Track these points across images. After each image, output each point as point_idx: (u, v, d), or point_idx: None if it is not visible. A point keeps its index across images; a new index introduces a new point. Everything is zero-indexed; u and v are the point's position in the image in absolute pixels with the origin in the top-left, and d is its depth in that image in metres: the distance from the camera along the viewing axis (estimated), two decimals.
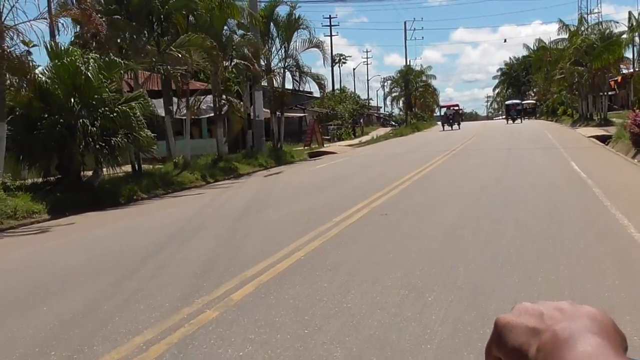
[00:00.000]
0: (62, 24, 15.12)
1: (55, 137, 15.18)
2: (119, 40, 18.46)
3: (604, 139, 30.95)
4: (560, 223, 9.77)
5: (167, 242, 10.05)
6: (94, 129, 15.11)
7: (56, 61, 15.33)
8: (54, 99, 15.31)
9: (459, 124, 60.96)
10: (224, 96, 24.68)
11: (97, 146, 15.27)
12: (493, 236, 8.94)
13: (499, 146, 29.60)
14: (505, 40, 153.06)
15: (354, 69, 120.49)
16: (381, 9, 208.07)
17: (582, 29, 49.09)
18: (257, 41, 25.95)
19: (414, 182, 16.48)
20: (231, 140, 30.53)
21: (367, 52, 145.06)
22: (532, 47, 74.15)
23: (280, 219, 11.63)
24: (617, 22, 45.34)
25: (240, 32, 27.40)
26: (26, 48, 15.20)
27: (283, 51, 29.93)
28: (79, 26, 18.50)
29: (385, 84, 73.73)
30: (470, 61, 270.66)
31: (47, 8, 16.46)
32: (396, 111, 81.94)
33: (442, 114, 64.54)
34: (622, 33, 40.26)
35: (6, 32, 13.91)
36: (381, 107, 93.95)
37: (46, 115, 15.59)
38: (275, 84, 30.01)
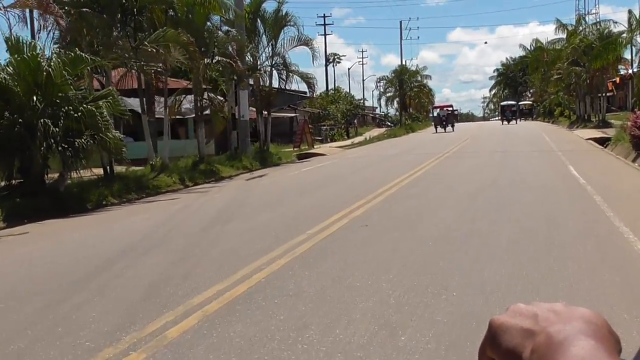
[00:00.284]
0: (18, 17, 14.00)
1: (14, 138, 14.06)
2: (87, 34, 17.31)
3: (602, 142, 29.98)
4: (561, 243, 8.70)
5: (116, 258, 8.94)
6: (57, 129, 13.99)
7: (16, 56, 14.23)
8: (13, 97, 14.20)
9: (453, 126, 57.17)
10: (206, 95, 23.55)
11: (60, 148, 14.14)
12: (481, 257, 7.85)
13: (494, 149, 28.54)
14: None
15: (348, 69, 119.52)
16: (378, 9, 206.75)
17: (580, 28, 48.06)
18: (242, 38, 24.85)
19: (401, 188, 15.40)
20: (220, 141, 29.50)
21: (362, 51, 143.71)
22: (529, 48, 73.32)
23: (250, 231, 10.53)
24: (616, 22, 44.29)
25: (225, 28, 26.31)
26: None
27: (270, 49, 28.84)
28: (56, 24, 17.47)
29: (380, 84, 72.54)
30: (467, 62, 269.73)
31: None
32: (392, 112, 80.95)
33: (435, 115, 60.91)
34: (622, 32, 39.21)
35: None
36: (377, 108, 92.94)
37: (7, 115, 14.46)
38: (263, 83, 28.92)
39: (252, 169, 25.29)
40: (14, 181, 15.25)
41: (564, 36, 50.65)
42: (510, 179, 16.25)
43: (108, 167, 17.59)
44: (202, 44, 22.59)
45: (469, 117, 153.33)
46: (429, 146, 33.92)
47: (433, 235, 9.25)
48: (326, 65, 78.50)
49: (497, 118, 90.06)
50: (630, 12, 38.19)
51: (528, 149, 27.52)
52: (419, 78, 72.98)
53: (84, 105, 14.30)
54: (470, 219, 10.52)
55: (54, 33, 17.96)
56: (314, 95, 32.56)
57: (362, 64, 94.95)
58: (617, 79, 56.40)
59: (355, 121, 71.85)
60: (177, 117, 29.68)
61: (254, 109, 30.23)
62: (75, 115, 14.11)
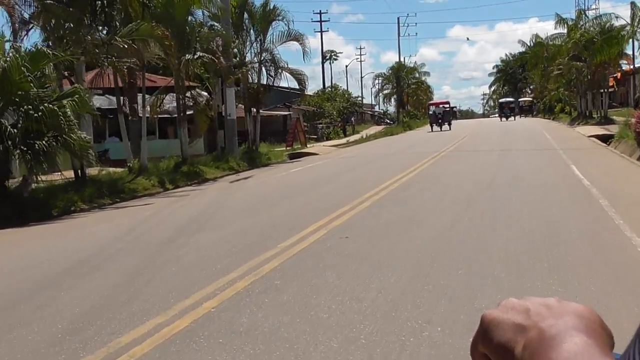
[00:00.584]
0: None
1: None
2: (55, 29, 16.13)
3: (605, 139, 28.86)
4: (567, 262, 7.55)
5: (54, 280, 7.79)
6: (15, 130, 12.84)
7: None
8: None
9: (449, 124, 53.40)
10: (190, 93, 22.40)
11: (19, 150, 12.99)
12: (472, 282, 6.70)
13: (492, 147, 27.37)
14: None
15: (346, 66, 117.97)
16: (377, 7, 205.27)
17: (581, 22, 46.86)
18: (227, 33, 23.68)
19: (392, 192, 14.25)
20: (210, 141, 28.33)
21: (360, 48, 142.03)
22: (528, 43, 72.08)
23: (217, 243, 9.38)
24: (618, 17, 43.02)
25: (211, 23, 25.16)
26: None
27: (258, 44, 27.64)
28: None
29: (377, 80, 71.27)
30: (466, 59, 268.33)
31: None
32: (391, 109, 79.71)
33: (431, 112, 56.06)
34: (624, 26, 38.07)
35: None
36: (376, 105, 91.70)
37: None
38: (251, 80, 27.73)
39: (239, 170, 24.14)
40: None
41: (564, 31, 49.47)
42: (508, 181, 15.09)
43: (79, 170, 16.40)
44: (184, 39, 21.45)
45: (469, 114, 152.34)
46: (425, 145, 32.76)
47: (418, 253, 8.11)
48: (323, 63, 77.36)
49: (496, 115, 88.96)
50: (633, 4, 36.99)
51: (528, 147, 26.37)
52: (417, 75, 71.65)
53: (45, 105, 13.13)
54: (462, 230, 9.37)
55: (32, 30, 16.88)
56: (306, 93, 31.14)
57: (360, 61, 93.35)
58: (619, 75, 55.24)
59: (353, 119, 70.77)
60: (165, 115, 28.61)
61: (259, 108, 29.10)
62: (36, 115, 12.95)
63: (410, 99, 70.95)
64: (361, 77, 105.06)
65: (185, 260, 8.40)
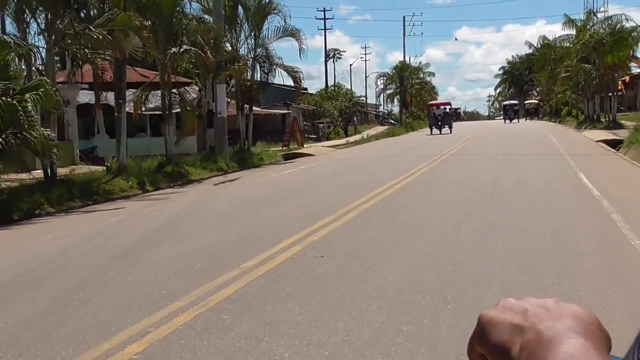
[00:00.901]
0: None
1: None
2: (30, 17, 14.96)
3: (613, 144, 27.62)
4: (576, 295, 6.33)
5: None
6: None
7: None
8: None
9: (450, 127, 49.03)
10: (177, 89, 21.19)
11: None
12: (461, 322, 5.47)
13: (495, 151, 26.09)
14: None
15: (350, 65, 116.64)
16: (384, 6, 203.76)
17: (590, 24, 45.47)
18: (219, 26, 22.45)
19: (383, 200, 13.02)
20: (203, 139, 27.12)
21: (365, 47, 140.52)
22: (535, 45, 70.65)
23: (170, 262, 8.16)
24: (628, 19, 41.66)
25: (205, 16, 23.96)
26: None
27: (253, 39, 26.39)
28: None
29: (379, 80, 69.87)
30: (473, 60, 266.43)
31: None
32: (395, 109, 78.29)
33: (431, 114, 51.58)
34: (635, 28, 36.76)
35: None
36: (380, 105, 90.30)
37: None
38: (246, 77, 26.45)
39: (228, 170, 22.92)
40: None
41: (573, 32, 48.12)
42: (511, 190, 13.85)
43: (49, 170, 15.21)
44: (171, 32, 20.25)
45: (474, 116, 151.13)
46: (426, 147, 31.49)
47: (401, 282, 6.88)
48: (326, 61, 75.99)
49: (501, 117, 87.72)
50: None
51: (533, 151, 25.10)
52: (421, 75, 70.22)
53: (4, 99, 11.93)
54: (454, 251, 8.12)
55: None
56: (307, 91, 29.86)
57: (365, 60, 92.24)
58: (627, 78, 53.89)
59: (355, 119, 69.46)
60: (158, 112, 27.42)
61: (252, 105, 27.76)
62: None
63: (414, 99, 69.49)
64: (365, 77, 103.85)
65: (128, 283, 7.18)
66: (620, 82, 50.82)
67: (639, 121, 31.17)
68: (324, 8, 75.99)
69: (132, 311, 6.05)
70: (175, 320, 5.69)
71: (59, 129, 26.86)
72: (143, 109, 23.11)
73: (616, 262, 7.37)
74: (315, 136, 49.80)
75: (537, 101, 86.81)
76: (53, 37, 14.81)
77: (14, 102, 12.00)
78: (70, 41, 15.19)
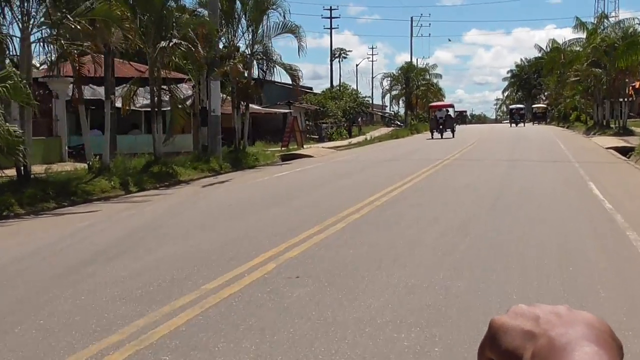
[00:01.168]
0: None
1: None
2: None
3: (624, 152, 26.55)
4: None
5: None
6: None
7: None
8: None
9: (452, 131, 45.55)
10: (167, 84, 20.20)
11: None
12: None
13: (501, 156, 25.01)
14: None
15: (356, 65, 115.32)
16: (394, 7, 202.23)
17: (602, 27, 44.31)
18: (213, 20, 21.44)
19: (376, 209, 11.99)
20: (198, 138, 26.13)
21: (372, 48, 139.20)
22: (544, 48, 69.47)
23: (120, 281, 7.15)
24: None
25: (198, 9, 22.97)
26: None
27: (250, 35, 25.38)
28: None
29: (384, 80, 68.67)
30: (482, 63, 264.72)
31: None
32: (402, 111, 77.04)
33: (432, 116, 48.27)
34: None
35: None
36: (387, 107, 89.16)
37: None
38: (242, 73, 25.40)
39: (220, 171, 21.91)
40: None
41: (583, 35, 47.00)
42: (515, 200, 12.79)
43: (22, 167, 14.23)
44: (162, 25, 19.27)
45: (482, 119, 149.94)
46: (428, 151, 30.40)
47: (383, 309, 5.87)
48: (331, 61, 75.04)
49: (508, 121, 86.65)
50: None
51: (540, 158, 24.03)
52: (427, 76, 69.00)
53: None
54: (448, 275, 7.08)
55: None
56: (298, 90, 28.77)
57: (372, 60, 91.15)
58: (637, 84, 52.69)
59: (360, 120, 68.31)
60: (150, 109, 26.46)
61: (252, 104, 26.75)
62: None
63: (419, 101, 68.24)
64: (372, 77, 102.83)
65: (64, 308, 6.17)
66: (630, 88, 49.67)
67: None
68: (330, 7, 74.81)
69: (57, 347, 5.05)
70: None
71: (47, 124, 26.00)
72: (133, 105, 22.16)
73: (636, 292, 6.34)
74: (317, 136, 48.77)
75: (545, 105, 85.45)
76: (30, 27, 13.84)
77: None
78: (49, 31, 14.19)
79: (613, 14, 67.77)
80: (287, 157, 28.81)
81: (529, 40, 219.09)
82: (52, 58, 15.53)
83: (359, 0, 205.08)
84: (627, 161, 23.28)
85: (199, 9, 22.12)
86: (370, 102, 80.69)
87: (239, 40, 25.27)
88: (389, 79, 66.57)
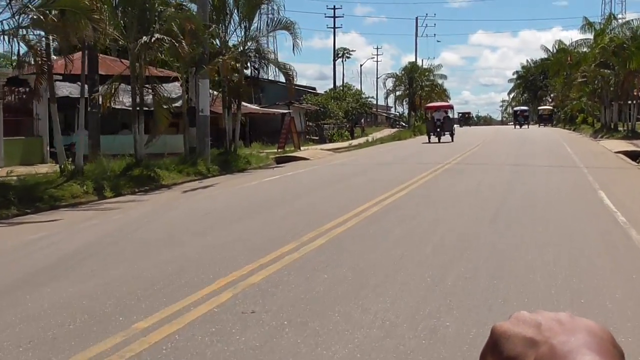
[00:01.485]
0: None
1: None
2: None
3: (634, 156, 25.33)
4: None
5: None
6: None
7: None
8: None
9: (452, 134, 41.84)
10: (149, 82, 19.01)
11: None
12: None
13: (505, 161, 23.74)
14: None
15: (360, 65, 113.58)
16: (400, 8, 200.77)
17: (610, 27, 43.02)
18: (201, 15, 20.25)
19: (363, 222, 10.76)
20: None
21: (377, 48, 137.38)
22: (551, 50, 68.12)
23: (38, 317, 5.95)
24: None
25: (184, 3, 21.80)
26: None
27: (242, 31, 24.18)
28: None
29: (388, 81, 67.33)
30: (488, 65, 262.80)
31: None
32: (407, 112, 75.68)
33: (429, 118, 44.76)
34: None
35: None
36: (392, 107, 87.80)
37: None
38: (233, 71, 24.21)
39: (208, 175, 20.71)
40: None
41: (591, 36, 45.73)
42: (518, 215, 11.54)
43: None
44: (144, 19, 18.10)
45: (487, 121, 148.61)
46: (429, 153, 29.14)
47: (352, 357, 4.67)
48: (334, 61, 73.71)
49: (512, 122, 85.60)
50: None
51: (546, 162, 22.77)
52: (432, 77, 67.62)
53: None
54: (435, 310, 5.86)
55: None
56: (293, 89, 27.51)
57: (377, 61, 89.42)
58: None
59: (362, 120, 67.08)
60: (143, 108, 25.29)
61: (249, 103, 25.72)
62: None
63: (423, 102, 66.85)
64: (377, 78, 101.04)
65: None
66: (637, 89, 48.43)
67: None
68: (334, 6, 73.48)
69: None
70: None
71: (27, 123, 24.88)
72: (121, 104, 21.03)
73: None
74: (317, 138, 47.60)
75: (551, 107, 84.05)
76: None
77: None
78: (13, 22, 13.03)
79: (620, 15, 66.41)
80: (282, 160, 27.61)
81: (535, 42, 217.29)
82: (18, 52, 14.33)
83: (366, 1, 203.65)
84: (637, 166, 22.05)
85: (188, 4, 20.90)
86: (375, 102, 79.48)
87: (231, 36, 24.12)
88: (393, 79, 65.26)
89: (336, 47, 74.52)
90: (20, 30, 13.13)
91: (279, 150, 31.53)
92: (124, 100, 22.70)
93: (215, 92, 25.42)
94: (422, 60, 71.39)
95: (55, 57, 23.58)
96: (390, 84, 66.78)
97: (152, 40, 17.58)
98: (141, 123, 18.71)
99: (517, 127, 69.25)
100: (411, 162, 24.62)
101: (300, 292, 6.54)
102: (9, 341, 5.17)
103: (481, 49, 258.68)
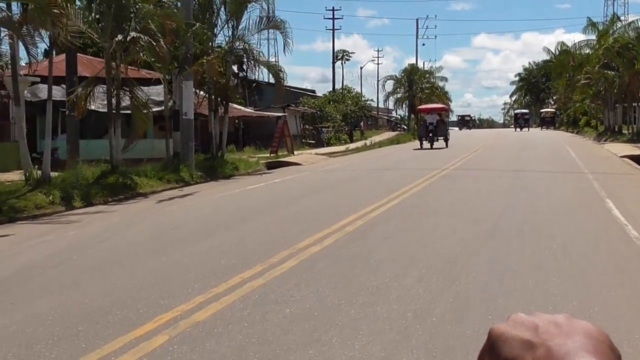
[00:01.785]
0: None
1: None
2: None
3: None
4: None
5: None
6: None
7: None
8: None
9: (446, 140, 37.87)
10: (126, 83, 17.85)
11: None
12: None
13: (506, 166, 22.54)
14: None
15: (361, 68, 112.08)
16: (402, 10, 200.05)
17: (614, 28, 41.86)
18: (182, 13, 19.10)
19: (343, 239, 9.57)
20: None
21: (378, 50, 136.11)
22: (553, 51, 66.96)
23: None
24: None
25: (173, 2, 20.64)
26: None
27: (230, 31, 23.03)
28: None
29: (387, 83, 66.09)
30: (490, 67, 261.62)
31: None
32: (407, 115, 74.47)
33: (421, 121, 40.71)
34: None
35: None
36: (393, 110, 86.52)
37: None
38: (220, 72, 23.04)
39: (191, 182, 19.56)
40: None
41: (594, 37, 44.59)
42: (518, 229, 10.36)
43: None
44: (122, 16, 16.97)
45: (490, 124, 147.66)
46: (427, 158, 27.94)
47: None
48: (333, 63, 72.58)
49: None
50: None
51: (549, 168, 21.60)
52: (432, 79, 66.37)
53: None
54: (425, 338, 4.71)
55: None
56: (283, 91, 26.30)
57: (378, 63, 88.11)
58: None
59: (362, 124, 65.92)
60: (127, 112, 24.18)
61: (244, 106, 24.61)
62: None
63: (423, 104, 65.71)
64: (377, 81, 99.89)
65: None
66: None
67: None
68: (333, 7, 72.39)
69: None
70: None
71: (3, 128, 23.76)
72: (96, 107, 19.92)
73: None
74: (314, 141, 46.50)
75: (553, 110, 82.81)
76: None
77: None
78: None
79: (622, 17, 65.30)
80: (273, 165, 26.47)
81: (537, 45, 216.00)
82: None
83: (369, 4, 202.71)
84: None
85: (169, 1, 19.73)
86: (376, 105, 78.29)
87: (218, 36, 22.97)
88: (392, 81, 64.03)
89: (337, 49, 73.46)
90: None
91: (272, 155, 30.42)
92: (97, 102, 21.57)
93: (202, 93, 24.29)
94: (424, 63, 70.06)
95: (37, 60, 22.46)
96: (390, 86, 65.61)
97: (128, 39, 16.45)
98: (118, 127, 17.57)
99: (518, 129, 69.39)
100: (407, 167, 23.45)
101: (252, 333, 5.39)
102: None
103: (484, 52, 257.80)
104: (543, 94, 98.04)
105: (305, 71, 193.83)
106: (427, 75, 65.21)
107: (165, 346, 5.10)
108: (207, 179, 20.42)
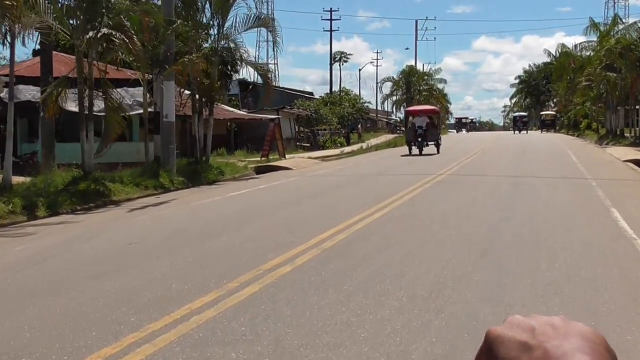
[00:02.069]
0: None
1: None
2: None
3: None
4: None
5: None
6: None
7: None
8: None
9: (437, 145, 34.00)
10: (99, 84, 16.76)
11: None
12: None
13: (504, 172, 21.42)
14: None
15: (359, 70, 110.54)
16: (402, 13, 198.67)
17: (616, 29, 40.85)
18: (161, 10, 18.03)
19: (320, 256, 8.49)
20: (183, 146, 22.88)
21: (377, 52, 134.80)
22: (554, 54, 66.03)
23: None
24: None
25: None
26: None
27: (216, 30, 21.94)
28: None
29: (384, 85, 65.03)
30: (491, 70, 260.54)
31: None
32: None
33: (409, 124, 35.64)
34: None
35: None
36: (392, 113, 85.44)
37: None
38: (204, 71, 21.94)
39: (171, 188, 18.48)
40: None
41: (595, 38, 43.61)
42: (517, 241, 9.30)
43: None
44: (94, 11, 15.91)
45: (490, 126, 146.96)
46: (421, 163, 26.71)
47: None
48: (331, 64, 71.42)
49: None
50: None
51: (549, 173, 20.53)
52: (431, 81, 65.31)
53: None
54: None
55: None
56: (271, 92, 25.21)
57: (377, 65, 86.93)
58: None
59: (359, 126, 64.84)
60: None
61: (239, 109, 23.47)
62: None
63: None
64: (376, 83, 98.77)
65: None
66: None
67: None
68: (330, 8, 71.28)
69: None
70: None
71: None
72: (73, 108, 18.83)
73: None
74: (309, 145, 45.44)
75: (554, 112, 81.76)
76: None
77: None
78: None
79: (623, 19, 64.36)
80: (262, 170, 25.40)
81: (538, 48, 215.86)
82: None
83: (369, 6, 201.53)
84: None
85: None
86: (375, 107, 77.20)
87: (202, 34, 21.86)
88: (390, 83, 62.95)
89: (336, 51, 72.32)
90: None
91: (262, 158, 29.36)
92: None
93: (188, 92, 23.23)
94: (423, 65, 69.02)
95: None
96: (387, 88, 64.56)
97: (99, 36, 15.39)
98: (90, 130, 16.49)
99: (517, 132, 69.96)
100: (400, 172, 22.36)
101: None
102: None
103: (484, 55, 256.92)
104: (543, 97, 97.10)
105: (306, 73, 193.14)
106: (426, 77, 64.15)
107: None
108: (189, 185, 19.36)
